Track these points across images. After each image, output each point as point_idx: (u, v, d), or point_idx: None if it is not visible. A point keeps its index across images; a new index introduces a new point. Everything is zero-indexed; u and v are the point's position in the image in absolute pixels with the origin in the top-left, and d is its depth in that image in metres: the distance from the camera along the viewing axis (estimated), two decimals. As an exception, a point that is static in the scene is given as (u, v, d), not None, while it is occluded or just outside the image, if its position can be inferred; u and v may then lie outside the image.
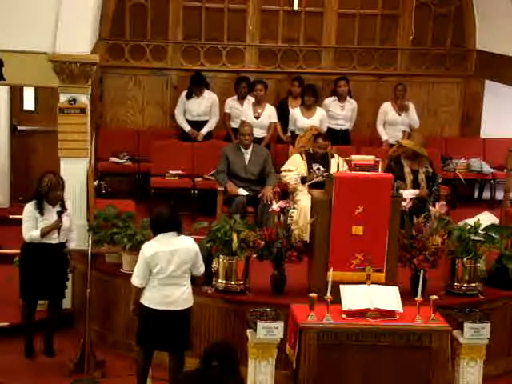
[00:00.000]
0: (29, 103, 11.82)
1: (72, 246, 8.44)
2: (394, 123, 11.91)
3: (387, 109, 11.95)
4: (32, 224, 8.18)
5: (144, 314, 7.38)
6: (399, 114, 11.91)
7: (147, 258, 7.27)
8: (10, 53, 8.77)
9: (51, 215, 8.21)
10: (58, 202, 8.25)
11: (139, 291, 7.36)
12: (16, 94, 11.71)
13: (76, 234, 8.51)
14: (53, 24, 8.81)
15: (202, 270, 7.55)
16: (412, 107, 11.99)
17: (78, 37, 8.94)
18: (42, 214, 8.19)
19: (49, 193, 8.16)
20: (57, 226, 8.20)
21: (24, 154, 11.70)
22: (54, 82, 8.90)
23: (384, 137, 11.88)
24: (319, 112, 11.37)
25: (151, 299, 7.32)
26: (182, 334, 7.42)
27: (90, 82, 9.05)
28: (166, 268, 7.26)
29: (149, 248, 7.33)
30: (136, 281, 7.35)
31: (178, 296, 7.32)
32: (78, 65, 8.80)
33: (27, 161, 11.61)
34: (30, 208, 8.24)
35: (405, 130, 11.76)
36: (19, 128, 11.78)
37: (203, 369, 6.04)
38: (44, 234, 8.16)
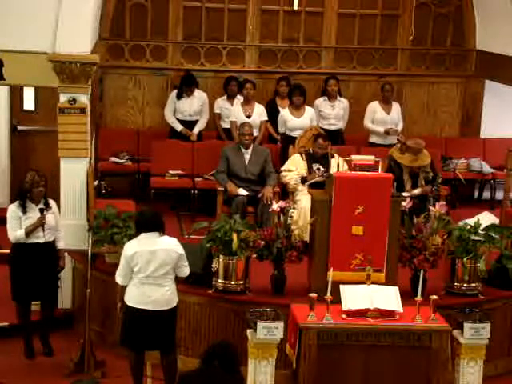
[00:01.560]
0: (29, 103, 11.82)
1: (61, 245, 8.45)
2: (383, 122, 11.84)
3: (375, 108, 11.90)
4: (16, 224, 8.16)
5: (126, 312, 7.43)
6: (388, 113, 11.88)
7: (127, 257, 7.32)
8: (10, 53, 8.77)
9: (34, 213, 8.19)
10: (40, 198, 8.21)
11: (123, 288, 7.43)
12: (16, 94, 11.71)
13: (63, 232, 8.49)
14: (53, 24, 8.81)
15: (186, 271, 7.51)
16: (396, 107, 11.96)
17: (78, 37, 8.94)
18: (24, 212, 8.15)
19: (32, 189, 8.15)
20: (40, 223, 8.16)
21: (24, 154, 11.70)
22: (53, 81, 8.89)
23: (381, 128, 11.77)
24: (308, 110, 11.30)
25: (132, 297, 7.36)
26: (164, 333, 7.41)
27: (89, 82, 9.05)
28: (145, 268, 7.28)
29: (129, 247, 7.39)
30: (118, 279, 7.45)
31: (158, 296, 7.32)
32: (78, 65, 8.79)
33: (27, 161, 11.60)
34: (12, 208, 8.22)
35: (399, 139, 11.53)
36: (19, 128, 11.78)
37: (204, 368, 6.03)
38: (28, 232, 8.14)
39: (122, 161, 11.75)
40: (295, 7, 12.31)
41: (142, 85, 12.30)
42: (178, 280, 7.53)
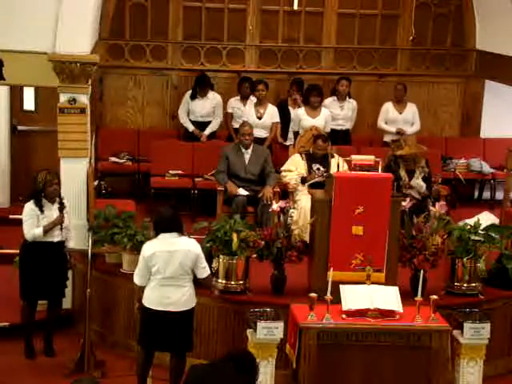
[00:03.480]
0: (29, 103, 11.82)
1: (71, 244, 8.44)
2: (395, 121, 11.89)
3: (388, 108, 11.96)
4: (34, 222, 8.14)
5: (144, 314, 7.39)
6: (400, 113, 11.91)
7: (146, 258, 7.28)
8: (10, 53, 8.77)
9: (51, 212, 8.19)
10: (55, 196, 8.21)
11: (140, 289, 7.39)
12: (16, 94, 11.71)
13: (73, 232, 8.50)
14: (53, 24, 8.81)
15: (205, 273, 7.45)
16: (411, 107, 11.97)
17: (78, 37, 8.94)
18: (42, 211, 8.15)
19: (45, 188, 8.14)
20: (59, 221, 8.18)
21: (24, 153, 11.70)
22: (54, 81, 8.89)
23: (393, 128, 11.81)
24: (324, 112, 11.31)
25: (150, 299, 7.32)
26: (183, 335, 7.40)
27: (89, 82, 9.05)
28: (164, 268, 7.25)
29: (148, 247, 7.35)
30: (136, 279, 7.40)
31: (177, 297, 7.30)
32: (78, 65, 8.79)
33: (27, 161, 11.61)
34: (30, 206, 8.20)
35: (393, 139, 11.51)
36: (19, 128, 11.78)
37: (217, 363, 5.94)
38: (47, 230, 8.14)
39: (122, 161, 11.76)
40: (295, 7, 12.30)
41: (142, 85, 12.31)
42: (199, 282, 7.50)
